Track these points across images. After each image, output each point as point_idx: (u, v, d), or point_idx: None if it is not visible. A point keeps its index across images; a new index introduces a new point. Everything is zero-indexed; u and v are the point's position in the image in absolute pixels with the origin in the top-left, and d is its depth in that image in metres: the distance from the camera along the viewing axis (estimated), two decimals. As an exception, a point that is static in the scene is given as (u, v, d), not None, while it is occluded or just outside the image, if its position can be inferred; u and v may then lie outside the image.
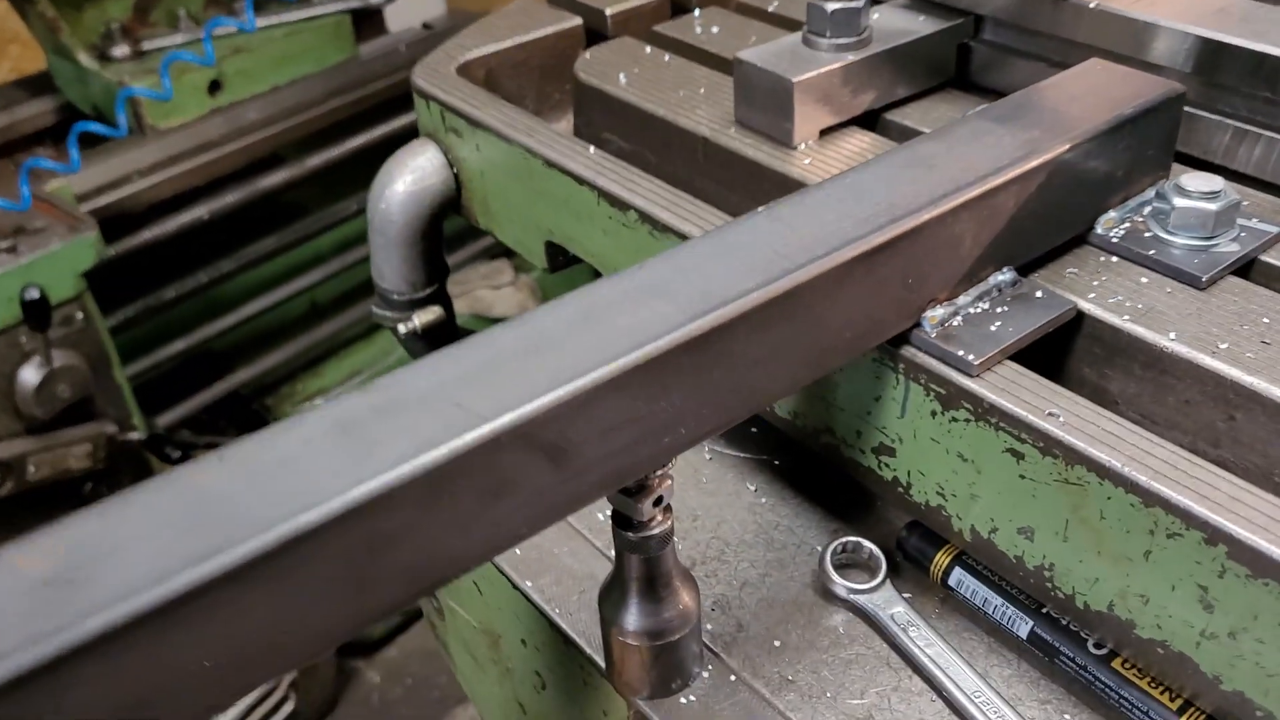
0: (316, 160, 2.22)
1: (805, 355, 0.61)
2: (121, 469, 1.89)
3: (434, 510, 0.48)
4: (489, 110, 0.93)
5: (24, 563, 0.42)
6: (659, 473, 0.58)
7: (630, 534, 0.59)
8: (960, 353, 0.64)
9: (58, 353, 1.70)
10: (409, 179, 0.97)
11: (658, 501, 0.59)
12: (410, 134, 1.02)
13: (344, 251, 2.39)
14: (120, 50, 2.08)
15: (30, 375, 1.69)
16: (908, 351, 0.66)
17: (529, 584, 0.73)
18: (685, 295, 0.56)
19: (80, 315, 1.77)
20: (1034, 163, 0.67)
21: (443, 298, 1.05)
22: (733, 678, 0.67)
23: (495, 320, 2.59)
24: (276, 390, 2.36)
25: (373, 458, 0.47)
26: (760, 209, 0.63)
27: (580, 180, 0.84)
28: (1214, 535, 0.54)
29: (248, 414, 2.29)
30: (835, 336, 0.62)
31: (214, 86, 2.09)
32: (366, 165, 2.15)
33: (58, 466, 1.79)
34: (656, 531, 0.59)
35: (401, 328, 1.02)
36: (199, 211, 2.08)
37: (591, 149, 0.87)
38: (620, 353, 0.52)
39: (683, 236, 0.78)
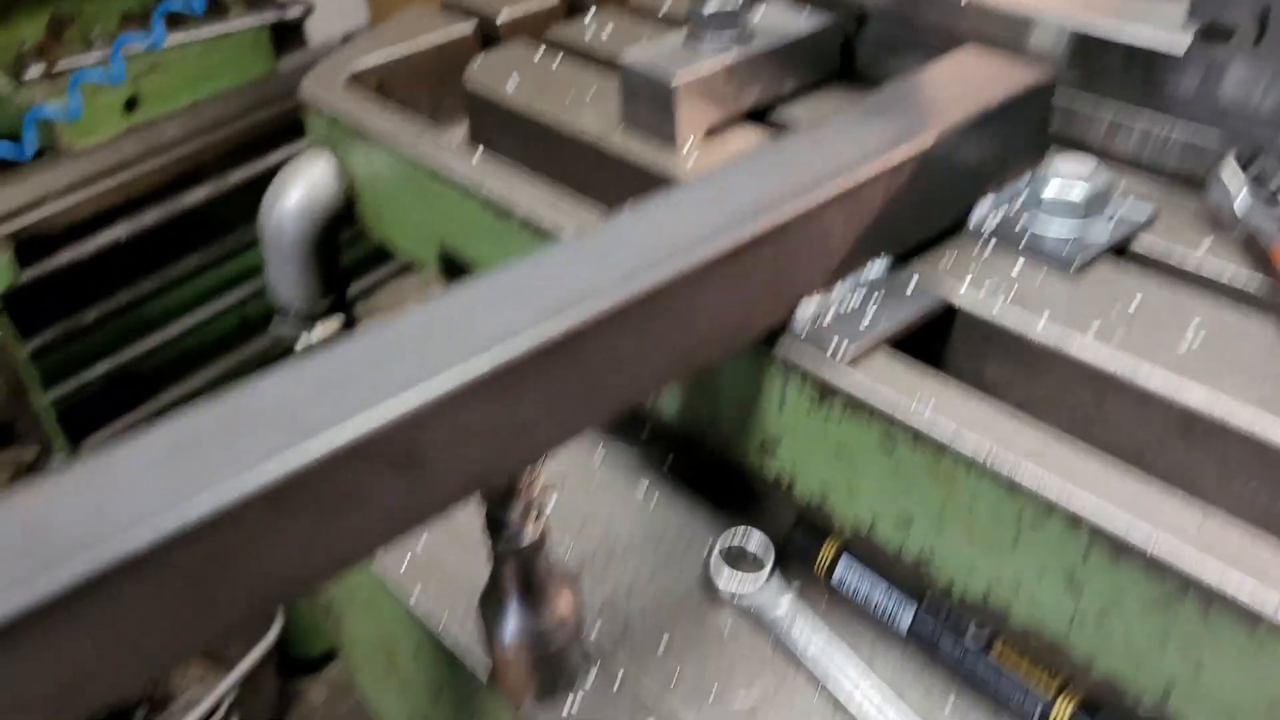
0: (239, 175, 2.19)
1: (671, 355, 0.60)
2: (43, 496, 1.85)
3: (274, 528, 0.47)
4: (375, 119, 0.92)
5: None
6: (528, 477, 0.57)
7: (501, 540, 0.59)
8: (832, 346, 0.64)
9: (-29, 380, 1.67)
10: (300, 191, 0.96)
11: (527, 506, 0.58)
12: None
13: (273, 267, 2.36)
14: (34, 71, 2.05)
15: (-56, 404, 1.66)
16: (782, 347, 0.65)
17: (412, 596, 0.72)
18: (541, 299, 0.55)
19: (-5, 341, 1.73)
20: (900, 154, 0.67)
21: (343, 306, 1.04)
22: (617, 683, 0.67)
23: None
24: (208, 410, 2.32)
25: (208, 476, 0.46)
26: (626, 210, 0.63)
27: (464, 189, 0.83)
28: (1075, 520, 0.55)
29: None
30: (702, 335, 0.61)
31: (130, 104, 2.06)
32: (290, 179, 2.14)
33: (-24, 496, 1.75)
34: (528, 537, 0.59)
35: (300, 344, 1.00)
36: (119, 231, 2.04)
37: (475, 156, 0.86)
38: (468, 358, 0.51)
39: (566, 240, 0.77)
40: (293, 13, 2.20)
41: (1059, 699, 0.61)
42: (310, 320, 1.01)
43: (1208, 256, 0.70)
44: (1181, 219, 0.74)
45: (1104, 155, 0.81)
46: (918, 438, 0.60)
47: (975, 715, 0.65)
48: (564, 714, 0.65)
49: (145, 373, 2.22)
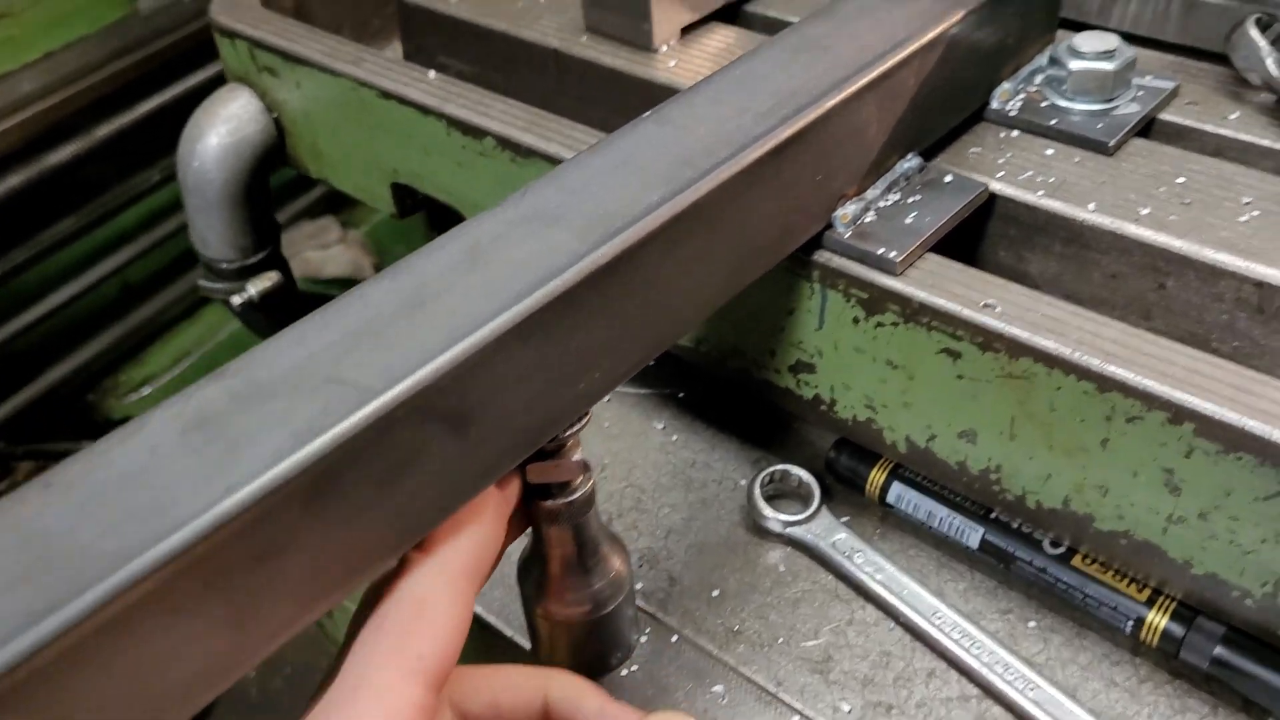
0: (106, 130, 2.02)
1: (721, 271, 0.54)
2: (-69, 494, 1.70)
3: (323, 510, 0.39)
4: (306, 42, 0.82)
5: None
6: (574, 429, 0.50)
7: (550, 503, 0.51)
8: (880, 250, 0.58)
9: None
10: (222, 130, 0.85)
11: (578, 461, 0.51)
12: (208, 91, 0.90)
13: (153, 226, 2.19)
14: None
15: None
16: (821, 256, 0.60)
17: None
18: (582, 219, 0.48)
19: None
20: (931, 35, 0.61)
21: (278, 261, 0.94)
22: (674, 638, 0.61)
23: (327, 282, 2.44)
24: (99, 385, 2.17)
25: (240, 459, 0.38)
26: (645, 115, 0.56)
27: (424, 109, 0.75)
28: (1179, 414, 0.50)
29: (74, 412, 2.10)
30: (750, 246, 0.55)
31: (-23, 59, 1.87)
32: (163, 130, 1.97)
33: None
34: (580, 495, 0.52)
35: (235, 299, 0.90)
36: (-21, 198, 1.86)
37: (431, 73, 0.77)
38: (519, 295, 0.44)
39: (550, 159, 0.70)
40: (147, -54, 2.01)
41: (1152, 609, 0.58)
42: (242, 275, 0.91)
43: (1241, 123, 0.67)
44: (1203, 89, 0.70)
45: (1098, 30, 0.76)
46: (989, 341, 0.55)
47: (1059, 637, 0.61)
48: (621, 683, 0.59)
49: (27, 350, 2.05)
